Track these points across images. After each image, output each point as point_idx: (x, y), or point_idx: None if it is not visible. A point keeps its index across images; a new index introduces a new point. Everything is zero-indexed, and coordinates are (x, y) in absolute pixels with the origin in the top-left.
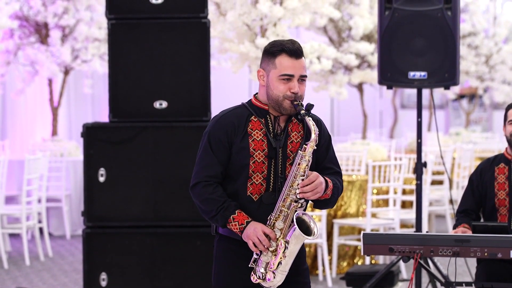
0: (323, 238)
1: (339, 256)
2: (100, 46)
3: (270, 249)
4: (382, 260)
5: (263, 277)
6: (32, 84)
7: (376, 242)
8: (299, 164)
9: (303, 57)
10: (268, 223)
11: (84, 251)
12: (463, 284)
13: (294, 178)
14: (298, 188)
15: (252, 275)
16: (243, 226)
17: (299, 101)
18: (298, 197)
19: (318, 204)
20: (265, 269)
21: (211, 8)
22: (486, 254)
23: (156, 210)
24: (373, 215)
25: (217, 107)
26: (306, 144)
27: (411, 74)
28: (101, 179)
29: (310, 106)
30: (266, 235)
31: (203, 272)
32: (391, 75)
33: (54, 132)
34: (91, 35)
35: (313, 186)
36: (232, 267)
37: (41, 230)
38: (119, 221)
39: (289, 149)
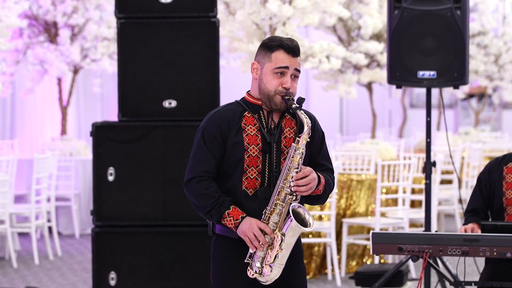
0: (332, 238)
1: (348, 255)
2: (109, 45)
3: (266, 245)
4: (391, 259)
5: (260, 272)
6: (41, 83)
7: (385, 242)
8: (292, 157)
9: (299, 57)
10: (263, 217)
11: (93, 250)
12: (472, 284)
13: (288, 171)
14: (293, 181)
15: (248, 270)
16: (238, 221)
17: (290, 96)
18: (292, 190)
19: (309, 199)
20: (261, 264)
21: (220, 7)
22: (495, 253)
23: (165, 209)
24: (382, 215)
25: None
26: (299, 137)
27: (420, 73)
28: (110, 178)
29: (301, 100)
30: (262, 231)
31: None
32: (400, 74)
33: (63, 131)
34: (100, 34)
35: (307, 181)
36: (230, 266)
37: (50, 229)
38: (128, 220)
39: (283, 144)
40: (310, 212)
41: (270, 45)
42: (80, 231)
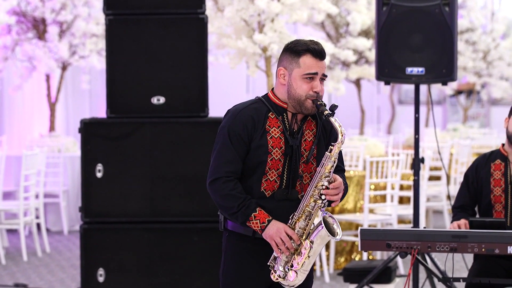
0: None
1: (337, 251)
2: (98, 42)
3: (292, 250)
4: (379, 255)
5: (284, 276)
6: (30, 79)
7: (374, 238)
8: (325, 165)
9: (325, 59)
10: (289, 222)
11: (81, 246)
12: (461, 280)
13: (320, 179)
14: (323, 189)
15: (272, 273)
16: (265, 224)
17: (322, 101)
18: (322, 197)
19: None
20: (284, 268)
21: (208, 3)
22: (483, 249)
23: (154, 205)
24: (371, 211)
25: (214, 102)
26: (333, 145)
27: (409, 69)
28: (99, 174)
29: (334, 107)
30: (289, 236)
31: (200, 267)
32: (388, 71)
33: (52, 128)
34: (89, 31)
35: (338, 191)
36: (242, 264)
37: (38, 225)
38: (117, 217)
39: (302, 147)
40: (337, 222)
41: (297, 49)
42: (68, 227)
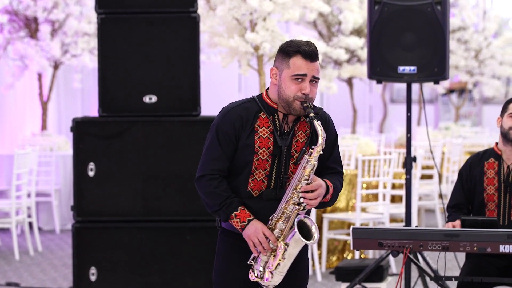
0: None
1: (329, 250)
2: (90, 40)
3: (269, 251)
4: (371, 254)
5: (261, 276)
6: (22, 78)
7: (366, 237)
8: (304, 168)
9: (317, 60)
10: (269, 223)
11: (73, 245)
12: (453, 279)
13: (299, 181)
14: (302, 192)
15: (250, 272)
16: (244, 224)
17: (309, 104)
18: (301, 200)
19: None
20: (264, 268)
21: (200, 2)
22: (475, 248)
23: (146, 204)
24: (363, 210)
25: (206, 101)
26: (313, 149)
27: (401, 68)
28: (91, 173)
29: (319, 110)
30: (266, 237)
31: (192, 266)
32: (380, 69)
33: (44, 127)
34: (81, 29)
35: (316, 195)
36: (233, 262)
37: (30, 224)
38: (109, 216)
39: (293, 148)
40: (316, 225)
41: (288, 50)
42: (60, 226)
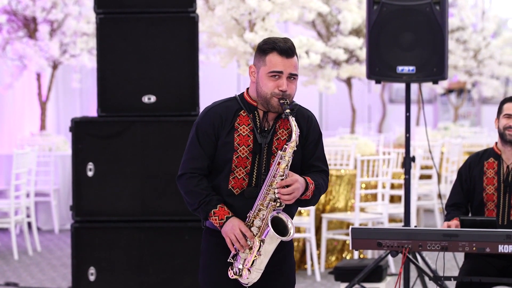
0: (312, 233)
1: (328, 250)
2: (89, 40)
3: (247, 248)
4: (370, 254)
5: (239, 273)
6: (21, 78)
7: (365, 237)
8: (278, 164)
9: (295, 56)
10: (247, 220)
11: (72, 245)
12: (452, 279)
13: (273, 177)
14: (277, 188)
15: (229, 270)
16: (223, 221)
17: (286, 100)
18: (276, 196)
19: (299, 203)
20: (242, 265)
21: (199, 2)
22: (474, 248)
23: (145, 204)
24: (362, 210)
25: (205, 101)
26: (287, 145)
27: (400, 68)
28: (90, 173)
29: (295, 106)
30: (243, 234)
31: (191, 266)
32: (379, 69)
33: (43, 127)
34: (80, 29)
35: (291, 190)
36: (218, 260)
37: (29, 224)
38: (108, 216)
39: (274, 145)
40: (292, 220)
41: (264, 48)
42: (59, 226)
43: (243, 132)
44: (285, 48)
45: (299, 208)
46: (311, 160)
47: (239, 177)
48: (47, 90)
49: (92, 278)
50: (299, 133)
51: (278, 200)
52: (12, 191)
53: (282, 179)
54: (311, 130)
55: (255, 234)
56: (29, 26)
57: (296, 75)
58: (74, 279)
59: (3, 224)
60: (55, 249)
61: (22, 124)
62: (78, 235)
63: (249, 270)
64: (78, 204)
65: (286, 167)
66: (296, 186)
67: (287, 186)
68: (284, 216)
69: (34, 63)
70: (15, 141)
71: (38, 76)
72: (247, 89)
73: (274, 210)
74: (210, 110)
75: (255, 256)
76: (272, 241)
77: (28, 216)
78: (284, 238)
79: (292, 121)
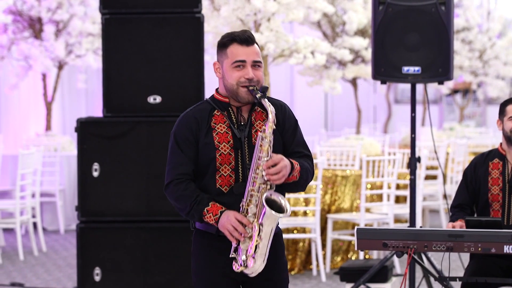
0: (317, 233)
1: (333, 251)
2: (94, 41)
3: (246, 235)
4: (376, 255)
5: (245, 264)
6: (26, 79)
7: (370, 237)
8: (261, 146)
9: (255, 44)
10: (241, 210)
11: (78, 246)
12: (457, 279)
13: (259, 160)
14: (264, 170)
15: (234, 264)
16: (218, 216)
17: (255, 86)
18: (265, 178)
19: (288, 187)
20: (246, 256)
21: (204, 3)
22: (480, 249)
23: (150, 205)
24: (367, 210)
25: None
26: (265, 125)
27: (405, 69)
28: (95, 174)
29: (264, 89)
30: (240, 222)
31: None
32: (385, 70)
33: (48, 127)
34: (85, 30)
35: (278, 169)
36: (209, 261)
37: (35, 225)
38: (113, 216)
39: (254, 138)
40: (284, 197)
41: (224, 42)
42: (65, 226)
43: (221, 130)
44: (245, 37)
45: (304, 209)
46: (292, 147)
47: (225, 175)
48: (52, 91)
49: (97, 278)
50: (275, 119)
51: (268, 182)
52: (17, 191)
53: (267, 160)
54: (286, 117)
55: (251, 221)
56: (35, 27)
57: (260, 62)
58: (79, 280)
59: (8, 225)
60: (60, 249)
61: (27, 125)
62: (83, 236)
63: (253, 257)
64: (83, 205)
65: (269, 147)
66: (283, 163)
67: (274, 166)
68: (276, 197)
69: (40, 63)
70: (21, 141)
71: (44, 77)
72: (216, 89)
73: (265, 192)
74: (184, 116)
75: (257, 241)
76: (271, 221)
77: (33, 216)
78: (282, 215)
79: (265, 102)
